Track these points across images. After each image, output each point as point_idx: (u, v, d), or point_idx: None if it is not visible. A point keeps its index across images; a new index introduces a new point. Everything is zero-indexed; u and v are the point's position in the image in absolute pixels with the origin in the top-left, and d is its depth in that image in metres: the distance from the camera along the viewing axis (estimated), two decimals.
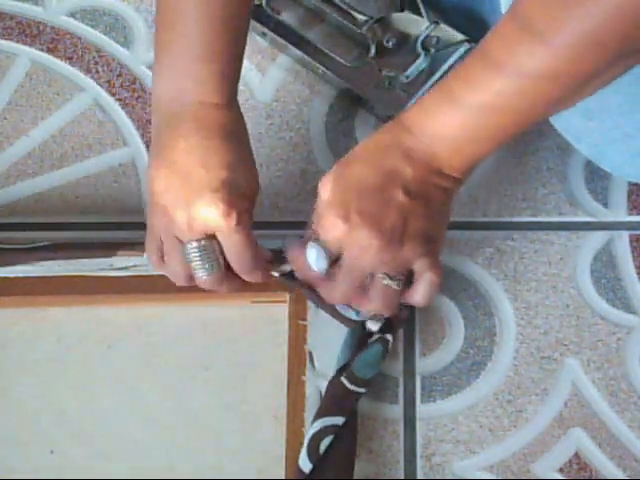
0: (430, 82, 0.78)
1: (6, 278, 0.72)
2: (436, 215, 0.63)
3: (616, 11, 0.50)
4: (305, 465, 0.65)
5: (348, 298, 0.65)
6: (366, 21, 0.80)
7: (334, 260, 0.63)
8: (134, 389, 0.71)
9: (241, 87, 0.83)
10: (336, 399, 0.67)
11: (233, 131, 0.65)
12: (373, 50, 0.79)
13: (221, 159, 0.63)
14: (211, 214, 0.62)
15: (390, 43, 0.79)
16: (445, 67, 0.78)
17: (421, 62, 0.78)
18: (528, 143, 0.80)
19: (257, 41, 0.86)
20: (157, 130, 0.66)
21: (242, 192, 0.63)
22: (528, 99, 0.57)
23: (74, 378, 0.72)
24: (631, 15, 0.49)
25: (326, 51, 0.81)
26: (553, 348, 0.73)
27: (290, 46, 0.82)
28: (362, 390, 0.68)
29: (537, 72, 0.54)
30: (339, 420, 0.66)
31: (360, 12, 0.81)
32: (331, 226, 0.61)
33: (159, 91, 0.66)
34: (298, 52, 0.82)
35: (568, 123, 0.71)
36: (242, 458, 0.69)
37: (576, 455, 0.69)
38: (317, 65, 0.81)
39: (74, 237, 0.77)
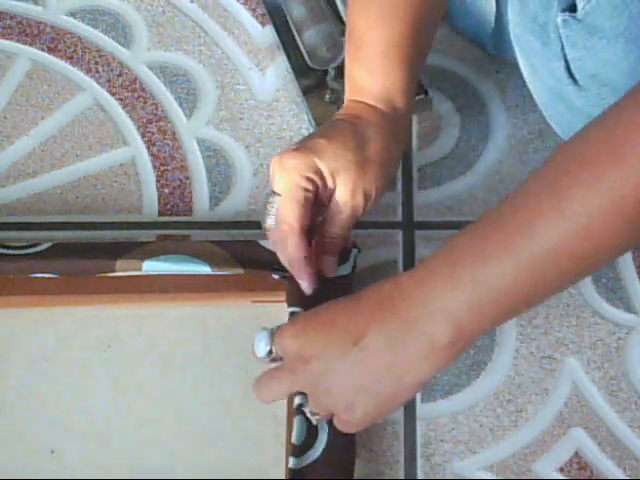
0: None
1: (6, 278, 0.72)
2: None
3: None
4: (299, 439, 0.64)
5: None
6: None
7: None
8: (134, 389, 0.71)
9: (241, 87, 0.84)
10: None
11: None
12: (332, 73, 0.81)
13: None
14: None
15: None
16: None
17: None
18: (528, 143, 0.80)
19: (257, 41, 0.86)
20: None
21: None
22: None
23: (74, 378, 0.72)
24: None
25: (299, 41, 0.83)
26: (553, 348, 0.73)
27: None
28: None
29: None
30: None
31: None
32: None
33: None
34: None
35: (569, 126, 0.71)
36: (242, 458, 0.69)
37: (576, 455, 0.69)
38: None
39: (74, 237, 0.77)
